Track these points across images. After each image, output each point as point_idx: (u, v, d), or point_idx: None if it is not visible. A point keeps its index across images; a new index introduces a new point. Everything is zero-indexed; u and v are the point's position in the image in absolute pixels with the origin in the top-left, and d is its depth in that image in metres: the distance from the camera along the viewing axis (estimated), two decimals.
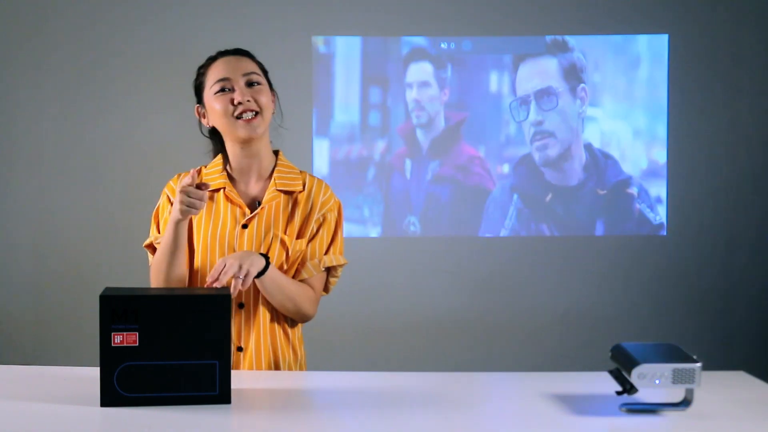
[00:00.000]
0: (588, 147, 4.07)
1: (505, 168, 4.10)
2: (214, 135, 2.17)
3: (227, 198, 2.09)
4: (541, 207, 4.08)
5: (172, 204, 2.05)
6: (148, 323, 1.58)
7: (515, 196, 4.09)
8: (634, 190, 4.07)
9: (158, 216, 2.13)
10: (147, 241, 2.13)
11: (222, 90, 2.06)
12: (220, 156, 2.15)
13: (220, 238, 2.04)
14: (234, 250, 2.05)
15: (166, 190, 2.12)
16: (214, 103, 2.06)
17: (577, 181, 4.08)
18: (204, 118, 2.11)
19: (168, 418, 1.54)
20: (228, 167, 2.14)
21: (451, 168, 4.11)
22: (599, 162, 4.07)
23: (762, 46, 4.03)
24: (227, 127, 2.06)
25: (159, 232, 2.11)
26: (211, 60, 2.11)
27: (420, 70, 4.09)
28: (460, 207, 4.11)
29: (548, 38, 4.04)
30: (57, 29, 3.98)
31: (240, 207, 2.09)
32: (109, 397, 1.58)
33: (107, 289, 1.64)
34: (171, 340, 1.59)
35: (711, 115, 4.05)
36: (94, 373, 1.65)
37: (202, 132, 2.18)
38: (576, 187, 4.08)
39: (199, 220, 2.07)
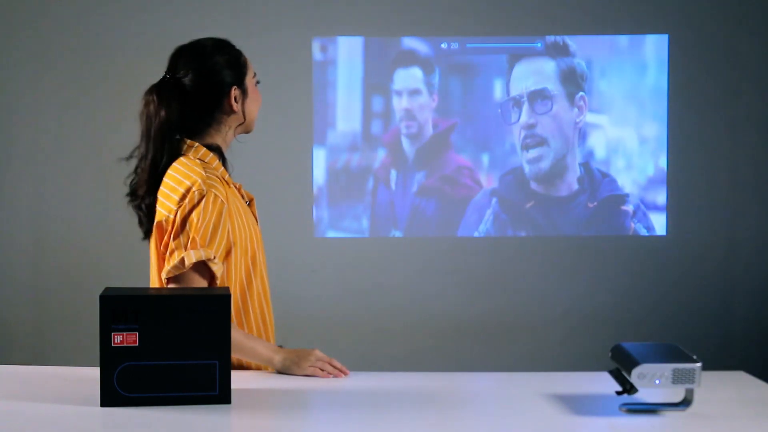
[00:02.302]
0: (585, 164, 4.03)
1: (497, 180, 4.06)
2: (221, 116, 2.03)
3: (240, 192, 2.08)
4: (524, 215, 4.05)
5: (224, 203, 1.90)
6: (148, 323, 1.58)
7: (494, 200, 4.05)
8: (629, 208, 4.05)
9: (220, 227, 1.88)
10: (198, 257, 1.84)
11: (258, 83, 2.10)
12: (201, 149, 1.98)
13: (256, 235, 2.04)
14: (261, 246, 2.06)
15: (214, 193, 1.88)
16: (256, 93, 2.08)
17: (567, 193, 4.05)
18: (236, 102, 2.00)
19: (168, 418, 1.54)
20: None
21: (438, 179, 4.06)
22: (595, 178, 4.03)
23: (762, 46, 4.03)
24: (253, 118, 2.08)
25: (217, 250, 1.87)
26: (237, 48, 2.08)
27: (409, 77, 4.04)
28: (447, 220, 4.07)
29: (548, 39, 4.03)
30: (57, 27, 3.98)
31: (243, 199, 2.09)
32: (109, 397, 1.58)
33: (107, 289, 1.64)
34: (171, 340, 1.59)
35: (711, 116, 4.05)
36: (94, 373, 1.65)
37: (221, 108, 2.00)
38: (567, 198, 4.05)
39: (239, 219, 1.97)
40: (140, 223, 2.01)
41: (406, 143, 4.06)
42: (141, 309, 1.58)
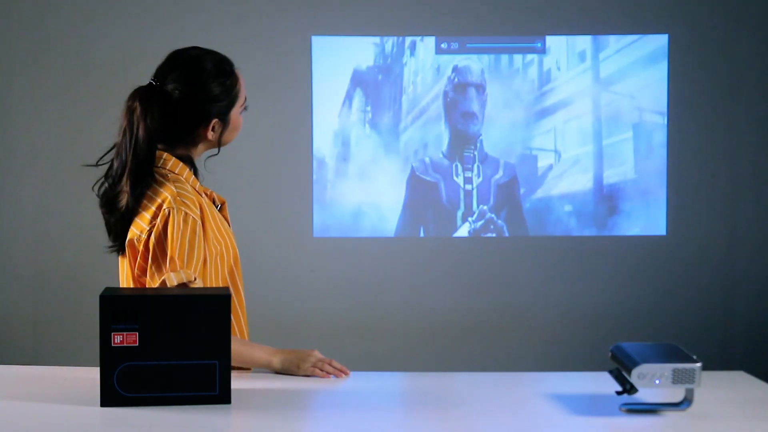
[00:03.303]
0: (584, 164, 4.04)
1: (496, 180, 4.07)
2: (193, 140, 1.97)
3: (211, 197, 2.04)
4: (523, 215, 4.06)
5: (202, 217, 1.88)
6: (148, 323, 1.58)
7: (492, 200, 4.05)
8: (629, 208, 4.05)
9: (196, 245, 1.84)
10: (179, 279, 1.80)
11: (245, 110, 2.02)
12: (171, 159, 1.93)
13: (231, 244, 2.01)
14: (237, 251, 2.03)
15: (185, 211, 1.84)
16: (238, 122, 1.99)
17: (567, 192, 4.05)
18: (213, 132, 1.94)
19: (168, 418, 1.54)
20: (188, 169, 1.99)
21: (438, 179, 4.06)
22: (594, 178, 4.03)
23: (762, 46, 4.03)
24: (228, 142, 2.00)
25: (195, 269, 1.83)
26: (236, 74, 1.97)
27: (410, 76, 4.05)
28: (446, 220, 4.07)
29: (569, 39, 4.03)
30: (56, 26, 3.98)
31: (214, 203, 2.04)
32: (109, 397, 1.58)
33: (107, 289, 1.64)
34: (171, 340, 1.59)
35: (711, 116, 4.05)
36: (94, 373, 1.65)
37: (196, 133, 1.94)
38: (566, 198, 4.06)
39: (215, 229, 1.95)
40: (111, 234, 1.93)
41: (406, 143, 4.06)
42: (141, 309, 1.58)
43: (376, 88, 4.05)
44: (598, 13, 4.02)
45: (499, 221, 4.05)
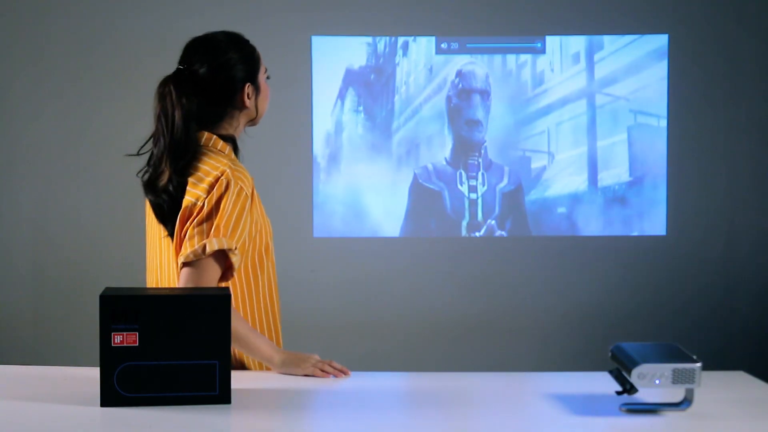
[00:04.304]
0: (583, 164, 4.04)
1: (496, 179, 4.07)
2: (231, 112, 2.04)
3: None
4: (524, 215, 4.06)
5: (248, 197, 1.92)
6: (148, 323, 1.58)
7: (496, 199, 4.05)
8: (628, 207, 4.05)
9: (243, 220, 1.90)
10: (221, 245, 1.84)
11: (268, 78, 2.12)
12: (220, 142, 1.99)
13: (269, 227, 2.05)
14: (271, 234, 2.07)
15: (240, 185, 1.90)
16: (267, 89, 2.10)
17: (567, 192, 4.05)
18: (249, 98, 2.03)
19: (168, 418, 1.54)
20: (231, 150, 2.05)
21: (438, 179, 4.06)
22: (594, 178, 4.04)
23: (762, 46, 4.03)
24: (263, 113, 2.09)
25: (237, 241, 1.88)
26: (251, 43, 2.09)
27: (409, 76, 4.05)
28: (446, 220, 4.07)
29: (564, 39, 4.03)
30: (56, 26, 3.98)
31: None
32: (109, 397, 1.58)
33: (107, 289, 1.64)
34: (171, 340, 1.59)
35: (711, 116, 4.05)
36: (94, 373, 1.65)
37: (233, 103, 2.01)
38: (566, 199, 4.06)
39: (258, 210, 1.99)
40: (159, 218, 1.95)
41: (405, 142, 4.06)
42: (141, 309, 1.58)
43: (369, 87, 4.05)
44: (598, 13, 4.02)
45: (503, 215, 4.04)
